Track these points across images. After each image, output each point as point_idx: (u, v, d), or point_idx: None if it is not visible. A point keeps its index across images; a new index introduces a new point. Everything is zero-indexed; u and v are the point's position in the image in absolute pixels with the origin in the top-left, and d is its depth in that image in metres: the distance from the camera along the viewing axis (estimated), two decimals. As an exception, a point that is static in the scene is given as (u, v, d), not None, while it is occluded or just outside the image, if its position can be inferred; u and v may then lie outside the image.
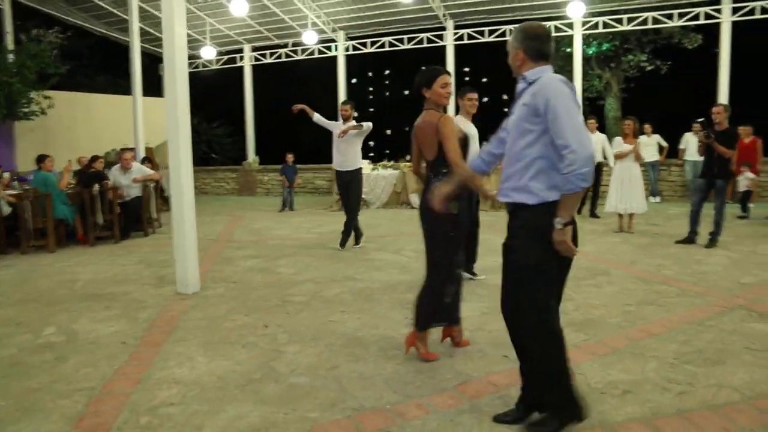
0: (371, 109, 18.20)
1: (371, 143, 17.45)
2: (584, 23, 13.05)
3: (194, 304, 4.72)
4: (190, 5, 13.67)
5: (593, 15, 12.77)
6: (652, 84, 16.37)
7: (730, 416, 2.58)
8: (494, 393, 2.89)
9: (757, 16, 11.66)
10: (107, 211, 8.03)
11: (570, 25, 13.18)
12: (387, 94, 15.74)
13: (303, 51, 15.77)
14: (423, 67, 3.34)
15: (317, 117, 7.26)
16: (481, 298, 4.65)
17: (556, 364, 2.37)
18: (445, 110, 3.39)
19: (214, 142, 18.88)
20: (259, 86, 16.97)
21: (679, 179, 12.12)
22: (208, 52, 14.96)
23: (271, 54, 16.14)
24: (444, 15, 13.93)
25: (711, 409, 2.66)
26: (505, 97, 19.11)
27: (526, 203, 2.35)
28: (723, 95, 11.72)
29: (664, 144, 11.77)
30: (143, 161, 10.44)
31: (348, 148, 7.00)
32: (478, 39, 14.22)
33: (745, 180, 9.27)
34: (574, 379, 2.44)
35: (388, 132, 17.45)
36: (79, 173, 9.14)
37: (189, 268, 5.09)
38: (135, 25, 11.92)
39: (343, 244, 7.09)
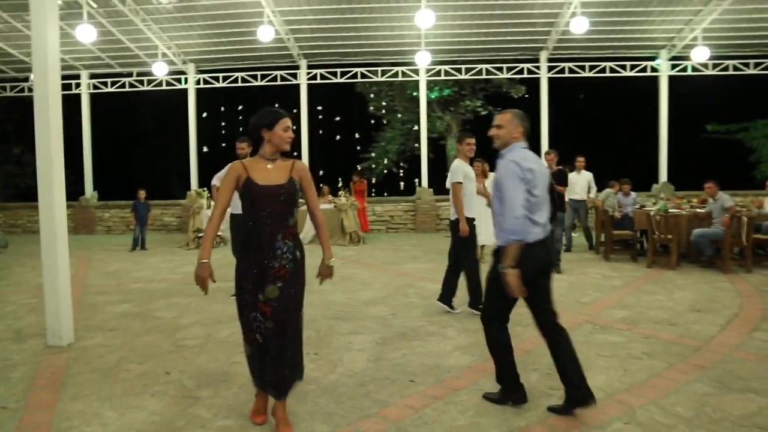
0: (223, 144, 17.95)
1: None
2: (428, 70, 14.37)
3: (75, 356, 4.37)
4: (16, 23, 12.40)
5: (436, 63, 14.13)
6: (485, 127, 18.45)
7: (602, 410, 3.20)
8: (413, 414, 3.21)
9: (567, 75, 14.00)
10: (-72, 257, 6.94)
11: (416, 72, 14.41)
12: (240, 129, 15.67)
13: (149, 82, 15.06)
14: (263, 108, 3.15)
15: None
16: (373, 331, 4.96)
17: None
18: (288, 155, 3.16)
19: (41, 175, 16.94)
20: (97, 115, 15.75)
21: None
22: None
23: (113, 83, 15.14)
24: (298, 54, 14.34)
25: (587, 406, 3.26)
26: (357, 135, 20.18)
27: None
28: (544, 137, 13.74)
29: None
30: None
31: None
32: (331, 79, 14.85)
33: None
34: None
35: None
36: None
37: (63, 318, 4.68)
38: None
39: None
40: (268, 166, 3.00)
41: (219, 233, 11.41)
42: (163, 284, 7.44)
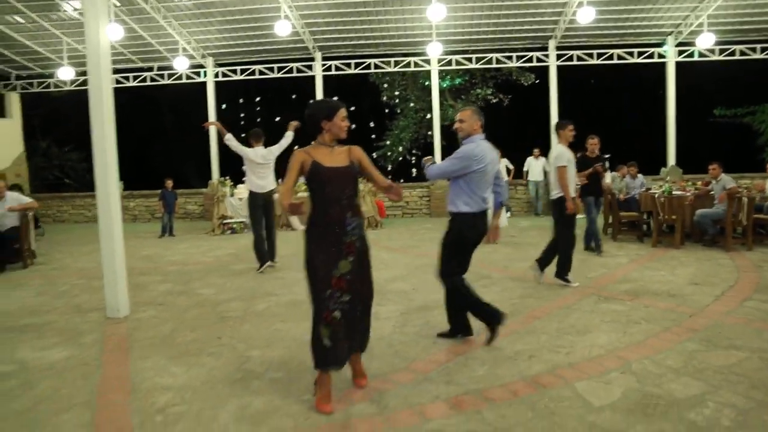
0: (242, 135, 18.44)
1: (244, 168, 17.71)
2: (440, 60, 14.76)
3: (133, 326, 4.93)
4: (44, 23, 12.96)
5: (447, 53, 14.51)
6: (495, 114, 18.84)
7: (601, 363, 3.68)
8: (438, 367, 3.71)
9: (575, 62, 14.33)
10: (-17, 243, 7.54)
11: (428, 62, 14.81)
12: (258, 120, 16.15)
13: (170, 76, 15.59)
14: (318, 100, 3.48)
15: (229, 137, 7.49)
16: (397, 303, 5.47)
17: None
18: (341, 143, 3.39)
19: (68, 167, 17.61)
20: (118, 110, 16.29)
21: (525, 197, 14.30)
22: (66, 73, 14.16)
23: (135, 77, 15.69)
24: (313, 47, 14.78)
25: (588, 360, 3.75)
26: (371, 124, 20.61)
27: None
28: (554, 121, 14.11)
29: (511, 167, 13.81)
30: (12, 188, 9.75)
31: (267, 172, 7.45)
32: (345, 70, 15.29)
33: None
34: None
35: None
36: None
37: (119, 293, 5.24)
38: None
39: (266, 261, 7.37)
40: (330, 151, 3.27)
41: (242, 220, 11.98)
42: (197, 266, 8.00)
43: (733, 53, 13.92)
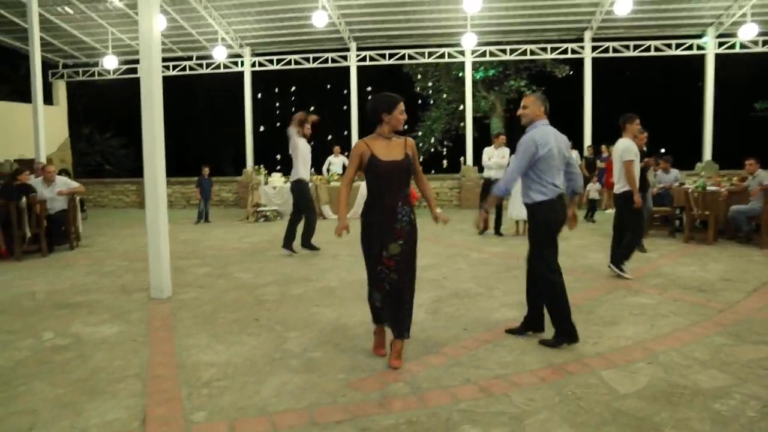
0: (278, 124, 18.84)
1: (278, 156, 18.09)
2: (474, 51, 14.75)
3: (177, 306, 5.20)
4: (91, 13, 13.43)
5: (481, 45, 14.49)
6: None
7: (628, 353, 3.77)
8: (468, 353, 3.85)
9: (611, 54, 14.15)
10: (34, 225, 7.95)
11: (462, 53, 14.82)
12: (293, 109, 16.42)
13: (208, 65, 15.95)
14: (379, 94, 3.67)
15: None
16: (429, 291, 5.62)
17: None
18: (400, 133, 3.72)
19: (109, 153, 18.23)
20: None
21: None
22: (110, 62, 14.66)
23: (174, 66, 16.10)
24: (348, 38, 14.93)
25: (615, 351, 3.84)
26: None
27: None
28: (588, 115, 14.03)
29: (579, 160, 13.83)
30: (60, 173, 10.20)
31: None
32: (379, 61, 15.41)
33: (594, 190, 11.49)
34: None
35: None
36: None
37: (163, 275, 5.52)
38: (36, 32, 11.52)
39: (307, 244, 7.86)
40: (388, 143, 3.59)
41: (275, 208, 12.27)
42: (234, 252, 8.29)
43: (777, 45, 13.55)
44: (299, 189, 7.76)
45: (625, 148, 6.17)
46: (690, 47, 13.99)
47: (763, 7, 12.48)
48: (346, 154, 13.88)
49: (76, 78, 16.68)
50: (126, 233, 10.52)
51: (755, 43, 13.46)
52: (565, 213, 4.08)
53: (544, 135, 3.97)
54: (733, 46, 13.68)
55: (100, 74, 16.43)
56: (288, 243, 7.78)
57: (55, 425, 2.88)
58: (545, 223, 3.99)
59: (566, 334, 3.90)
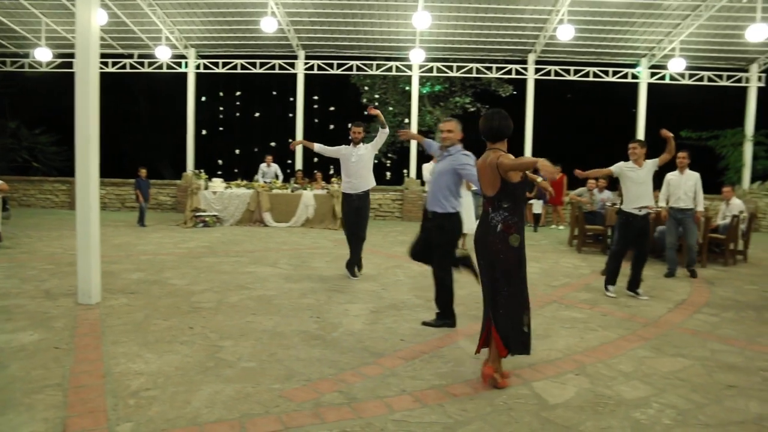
0: (221, 128, 18.39)
1: (220, 161, 17.66)
2: (421, 67, 15.00)
3: (106, 312, 4.97)
4: (23, 1, 12.76)
5: (429, 60, 14.76)
6: (473, 123, 19.13)
7: (558, 365, 3.90)
8: (405, 364, 3.88)
9: (552, 77, 14.76)
10: (-50, 223, 7.43)
11: (409, 67, 15.04)
12: (237, 114, 16.12)
13: (150, 64, 15.47)
14: (502, 110, 3.64)
15: (319, 147, 6.93)
16: (367, 302, 5.62)
17: None
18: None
19: (37, 150, 17.24)
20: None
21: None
22: (43, 54, 13.95)
23: (114, 63, 15.52)
24: (297, 45, 14.86)
25: (547, 363, 3.97)
26: (349, 125, 20.70)
27: None
28: (529, 135, 14.56)
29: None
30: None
31: (360, 169, 6.71)
32: (327, 71, 15.41)
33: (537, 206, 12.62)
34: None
35: (237, 152, 17.79)
36: None
37: (92, 279, 5.26)
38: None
39: (354, 269, 6.77)
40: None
41: (215, 213, 11.99)
42: (170, 257, 8.02)
43: (701, 79, 14.52)
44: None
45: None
46: (625, 75, 14.78)
47: (690, 44, 13.40)
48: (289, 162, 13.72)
49: (2, 68, 15.77)
50: (53, 235, 10.00)
51: (683, 75, 14.38)
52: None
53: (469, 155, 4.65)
54: (663, 77, 14.56)
55: (31, 66, 15.61)
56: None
57: (-38, 438, 2.69)
58: (455, 234, 4.85)
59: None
